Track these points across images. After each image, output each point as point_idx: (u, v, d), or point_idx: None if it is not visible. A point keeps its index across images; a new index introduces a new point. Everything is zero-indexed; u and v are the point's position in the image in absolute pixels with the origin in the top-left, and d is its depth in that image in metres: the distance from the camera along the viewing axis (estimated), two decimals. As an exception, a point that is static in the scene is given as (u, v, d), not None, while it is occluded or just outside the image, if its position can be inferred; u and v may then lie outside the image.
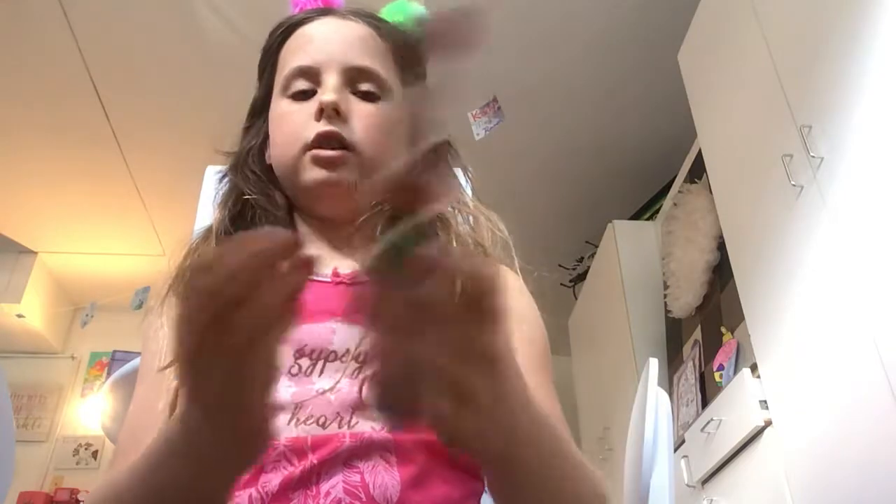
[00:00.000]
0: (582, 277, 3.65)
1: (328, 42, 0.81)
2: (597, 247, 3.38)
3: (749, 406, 1.85)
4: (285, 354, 0.63)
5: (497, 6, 2.65)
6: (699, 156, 2.47)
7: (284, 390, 0.65)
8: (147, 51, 2.84)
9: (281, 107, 0.81)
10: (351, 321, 0.67)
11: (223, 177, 0.84)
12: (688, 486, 2.14)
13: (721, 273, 2.40)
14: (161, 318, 0.73)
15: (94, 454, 4.13)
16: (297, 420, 0.63)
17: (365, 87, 0.80)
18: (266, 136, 0.84)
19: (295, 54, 0.81)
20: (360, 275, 0.71)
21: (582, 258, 3.68)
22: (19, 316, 4.05)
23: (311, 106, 0.77)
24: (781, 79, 1.83)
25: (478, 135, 2.30)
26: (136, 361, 1.51)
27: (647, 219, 3.31)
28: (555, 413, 0.71)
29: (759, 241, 1.94)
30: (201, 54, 2.78)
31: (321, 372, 0.66)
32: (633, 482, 1.19)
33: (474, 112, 2.36)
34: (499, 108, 2.46)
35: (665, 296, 2.82)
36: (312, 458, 0.60)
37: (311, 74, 0.79)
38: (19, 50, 2.88)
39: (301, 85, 0.79)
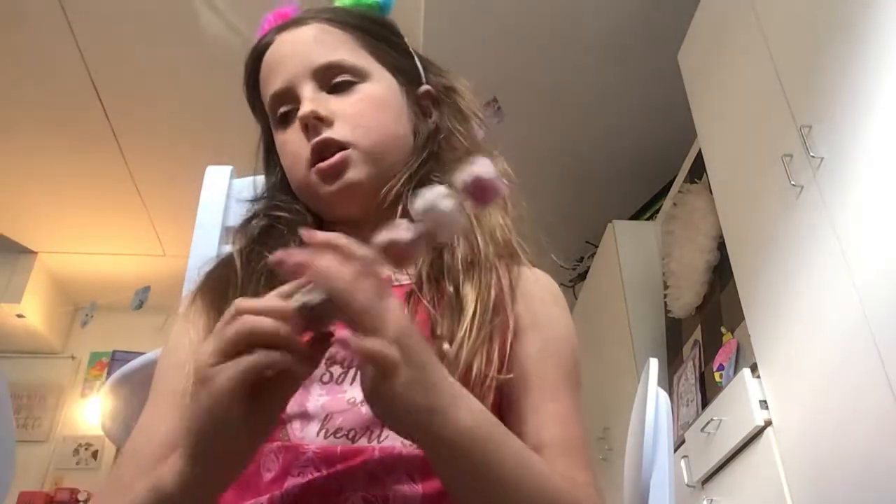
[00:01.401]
0: (582, 277, 3.65)
1: (288, 57, 0.80)
2: (597, 247, 3.38)
3: (749, 406, 1.85)
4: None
5: (497, 7, 2.66)
6: (699, 156, 2.47)
7: (315, 399, 0.65)
8: (147, 51, 2.84)
9: (279, 138, 0.81)
10: None
11: (250, 211, 0.84)
12: (688, 486, 2.14)
13: (721, 273, 2.40)
14: (187, 331, 0.72)
15: (94, 454, 4.14)
16: (327, 431, 0.63)
17: (338, 79, 0.79)
18: (282, 169, 0.84)
19: (268, 84, 0.81)
20: (390, 280, 0.72)
21: (582, 258, 3.68)
22: (19, 316, 4.06)
23: (298, 124, 0.78)
24: (781, 79, 1.83)
25: (478, 135, 2.30)
26: (136, 361, 1.51)
27: (647, 219, 3.31)
28: (566, 435, 0.68)
29: (759, 241, 1.94)
30: (202, 55, 2.78)
31: (353, 380, 0.66)
32: (633, 482, 1.19)
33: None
34: (499, 108, 2.46)
35: (665, 296, 2.82)
36: (339, 468, 0.60)
37: (288, 96, 0.79)
38: (19, 50, 2.88)
39: (283, 109, 0.80)
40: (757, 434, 1.83)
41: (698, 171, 2.61)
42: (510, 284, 0.73)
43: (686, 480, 2.15)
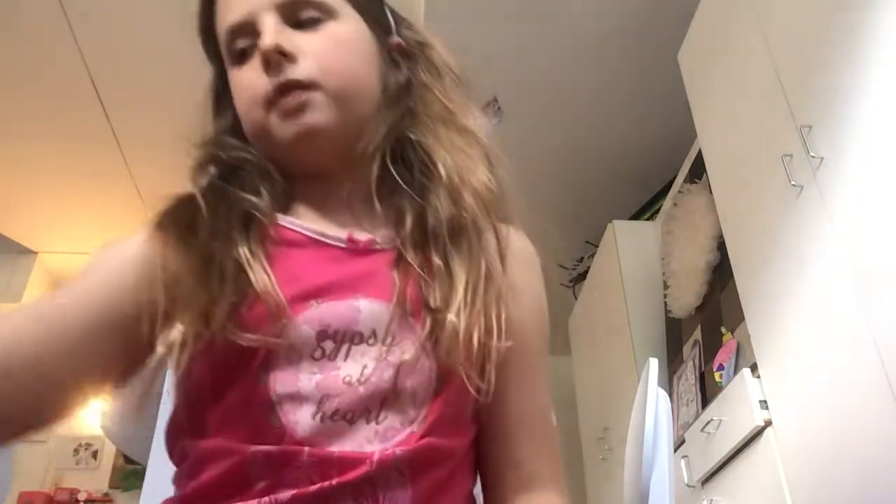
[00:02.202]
0: (582, 277, 3.65)
1: None
2: (597, 247, 3.38)
3: (749, 406, 1.85)
4: (306, 339, 0.61)
5: (497, 6, 2.66)
6: (699, 156, 2.47)
7: (308, 378, 0.60)
8: (147, 51, 2.84)
9: (233, 76, 0.74)
10: (374, 296, 0.64)
11: (196, 161, 0.75)
12: (688, 486, 2.14)
13: (721, 273, 2.40)
14: (143, 263, 0.64)
15: (95, 454, 4.13)
16: (323, 414, 0.59)
17: (305, 15, 0.71)
18: (235, 116, 0.76)
19: (224, 17, 0.74)
20: (374, 242, 0.68)
21: (582, 258, 3.68)
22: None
23: (257, 60, 0.70)
24: (781, 79, 1.83)
25: (478, 135, 2.30)
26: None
27: (647, 219, 3.31)
28: (542, 409, 0.72)
29: (759, 241, 1.94)
30: (202, 55, 2.77)
31: (346, 356, 0.61)
32: (633, 482, 1.19)
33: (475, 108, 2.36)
34: (499, 108, 2.47)
35: (665, 296, 2.82)
36: (334, 480, 0.57)
37: (247, 29, 0.71)
38: (19, 50, 2.88)
39: (241, 45, 0.72)
40: (757, 434, 1.83)
41: (698, 171, 2.61)
42: (500, 246, 0.70)
43: (686, 480, 2.15)
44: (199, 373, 0.61)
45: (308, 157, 0.72)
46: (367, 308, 0.63)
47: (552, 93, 3.00)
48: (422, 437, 0.60)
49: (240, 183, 0.70)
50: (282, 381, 0.60)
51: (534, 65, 2.87)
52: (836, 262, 1.57)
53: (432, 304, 0.63)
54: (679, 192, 2.81)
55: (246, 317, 0.60)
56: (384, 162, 0.71)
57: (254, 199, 0.68)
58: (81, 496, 3.93)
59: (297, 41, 0.70)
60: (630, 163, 3.30)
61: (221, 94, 0.80)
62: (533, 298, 0.74)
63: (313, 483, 0.57)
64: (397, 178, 0.70)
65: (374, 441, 0.59)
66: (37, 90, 3.06)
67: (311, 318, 0.62)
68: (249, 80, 0.71)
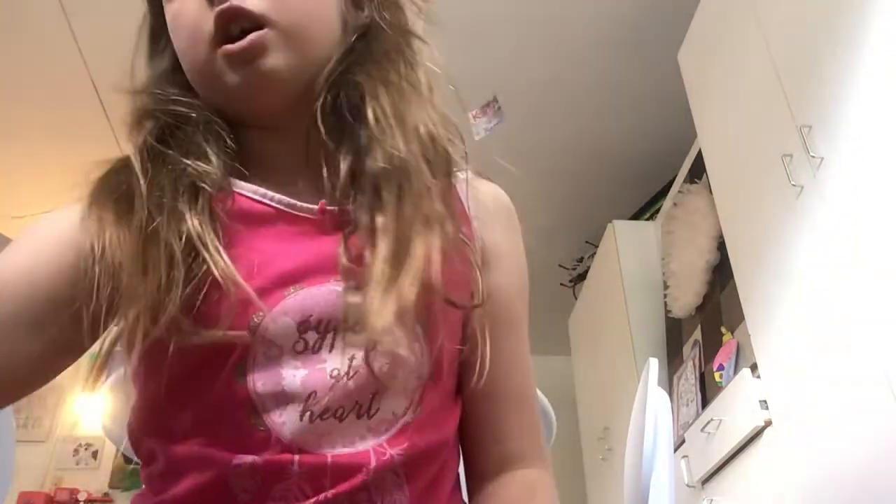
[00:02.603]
0: (582, 277, 3.65)
1: None
2: (597, 247, 3.38)
3: (749, 406, 1.85)
4: (286, 330, 0.55)
5: (497, 6, 2.66)
6: (699, 156, 2.47)
7: (292, 375, 0.54)
8: (147, 51, 2.84)
9: (171, 8, 0.64)
10: (345, 278, 0.57)
11: (133, 114, 0.67)
12: (688, 486, 2.14)
13: (721, 273, 2.40)
14: (77, 237, 0.59)
15: (94, 454, 4.13)
16: (312, 414, 0.53)
17: None
18: (174, 56, 0.67)
19: None
20: (344, 210, 0.60)
21: (582, 258, 3.68)
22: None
23: None
24: (781, 79, 1.83)
25: (478, 135, 2.31)
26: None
27: (647, 219, 3.31)
28: (524, 383, 0.68)
29: (759, 241, 1.94)
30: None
31: (331, 347, 0.55)
32: (633, 482, 1.19)
33: (474, 112, 2.36)
34: (499, 108, 2.47)
35: (665, 296, 2.82)
36: (329, 492, 0.52)
37: None
38: (19, 50, 2.88)
39: None
40: (757, 434, 1.83)
41: (698, 171, 2.61)
42: (457, 197, 0.63)
43: (686, 480, 2.15)
44: (164, 370, 0.53)
45: (261, 104, 0.63)
46: (336, 295, 0.57)
47: (552, 93, 3.00)
48: (417, 428, 0.56)
49: (183, 145, 0.61)
50: (262, 380, 0.54)
51: (534, 65, 2.87)
52: (836, 262, 1.57)
53: (377, 259, 0.55)
54: (679, 192, 2.81)
55: (203, 310, 0.53)
56: (332, 109, 0.62)
57: (202, 164, 0.59)
58: (81, 496, 3.93)
59: None
60: (630, 163, 3.30)
61: (157, 31, 0.70)
62: (514, 259, 0.69)
63: (307, 496, 0.52)
64: (321, 127, 0.61)
65: (366, 437, 0.54)
66: (37, 90, 3.06)
67: (290, 307, 0.55)
68: (190, 13, 0.62)
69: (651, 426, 1.17)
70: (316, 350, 0.55)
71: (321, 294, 0.56)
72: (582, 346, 3.59)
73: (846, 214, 1.55)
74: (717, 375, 2.25)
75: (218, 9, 0.59)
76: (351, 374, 0.55)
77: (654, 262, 3.01)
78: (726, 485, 1.97)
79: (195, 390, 0.55)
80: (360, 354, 0.55)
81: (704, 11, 2.30)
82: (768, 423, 1.80)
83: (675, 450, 2.21)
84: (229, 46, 0.60)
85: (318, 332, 0.55)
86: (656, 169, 3.23)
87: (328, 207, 0.60)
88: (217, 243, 0.55)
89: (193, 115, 0.63)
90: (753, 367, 1.93)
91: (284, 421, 0.53)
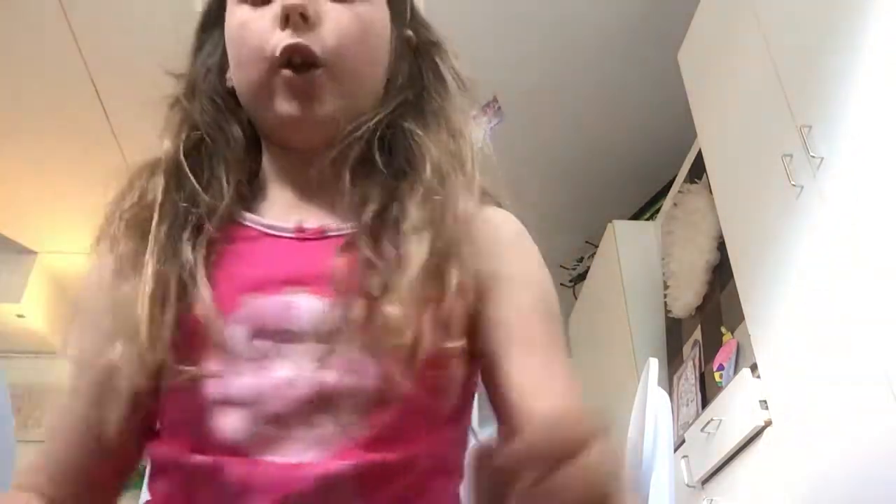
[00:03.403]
0: (582, 277, 3.65)
1: None
2: (597, 247, 3.38)
3: (749, 406, 1.85)
4: (240, 338, 0.57)
5: (497, 7, 2.66)
6: (699, 156, 2.47)
7: (240, 382, 0.56)
8: (147, 51, 2.83)
9: (237, 16, 0.68)
10: (317, 292, 0.59)
11: (174, 103, 0.73)
12: (688, 486, 2.14)
13: (721, 273, 2.40)
14: (97, 270, 0.64)
15: (94, 454, 4.14)
16: (256, 420, 0.55)
17: None
18: (224, 54, 0.71)
19: None
20: (327, 229, 0.64)
21: (582, 258, 3.68)
22: (19, 316, 4.05)
23: (273, 9, 0.65)
24: (781, 79, 1.83)
25: (478, 135, 2.30)
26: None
27: (647, 219, 3.31)
28: (566, 395, 0.60)
29: (759, 241, 1.94)
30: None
31: (283, 356, 0.57)
32: (632, 482, 1.19)
33: (474, 112, 2.36)
34: (499, 108, 2.47)
35: (665, 296, 2.82)
36: (275, 498, 0.52)
37: None
38: (19, 50, 2.88)
39: None
40: (757, 434, 1.83)
41: (698, 171, 2.61)
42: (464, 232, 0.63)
43: (686, 480, 2.15)
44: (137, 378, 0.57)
45: (303, 138, 0.68)
46: (306, 304, 0.58)
47: (552, 93, 3.00)
48: (368, 446, 0.55)
49: (205, 172, 0.66)
50: (214, 384, 0.56)
51: (534, 65, 2.87)
52: (836, 262, 1.57)
53: (372, 292, 0.57)
54: (679, 192, 2.81)
55: (182, 343, 0.57)
56: (366, 147, 0.66)
57: (214, 200, 0.64)
58: (81, 496, 3.93)
59: (323, 9, 0.66)
60: (630, 163, 3.30)
61: (213, 26, 0.74)
62: (524, 280, 0.67)
63: (251, 500, 0.52)
64: (378, 163, 0.65)
65: (312, 449, 0.54)
66: (37, 90, 3.06)
67: (243, 316, 0.58)
68: (260, 28, 0.65)
69: (651, 426, 1.17)
70: (267, 358, 0.57)
71: (275, 305, 0.58)
72: (582, 346, 3.59)
73: (846, 214, 1.55)
74: (717, 375, 2.25)
75: (290, 42, 0.63)
76: (299, 383, 0.55)
77: (654, 262, 3.01)
78: (726, 485, 1.97)
79: (167, 391, 0.58)
80: (309, 365, 0.56)
81: (704, 11, 2.30)
82: (768, 423, 1.80)
83: (675, 450, 2.20)
84: (294, 77, 0.64)
85: (270, 340, 0.57)
86: (656, 169, 3.23)
87: (304, 226, 0.64)
88: (203, 278, 0.59)
89: (228, 140, 0.68)
90: (753, 367, 1.93)
91: (229, 426, 0.55)
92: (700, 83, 2.38)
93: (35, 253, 4.11)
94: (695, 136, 2.47)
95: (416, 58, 0.74)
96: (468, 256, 0.62)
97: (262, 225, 0.65)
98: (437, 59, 0.75)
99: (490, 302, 0.63)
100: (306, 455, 0.54)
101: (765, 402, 1.83)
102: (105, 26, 2.78)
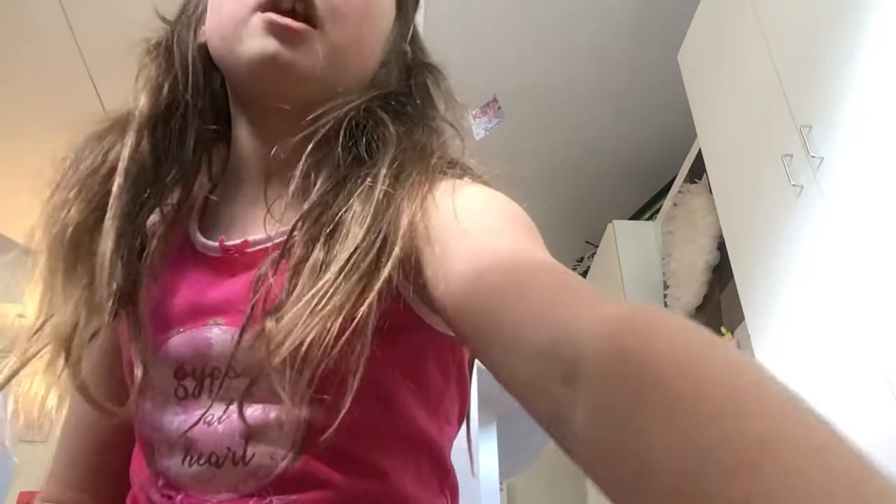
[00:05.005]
0: (582, 277, 3.65)
1: None
2: (597, 247, 3.38)
3: (749, 406, 1.85)
4: (166, 376, 0.55)
5: (497, 7, 2.66)
6: (699, 156, 2.47)
7: (171, 421, 0.54)
8: (147, 51, 2.84)
9: None
10: (231, 322, 0.54)
11: (152, 50, 0.65)
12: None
13: (721, 273, 2.40)
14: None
15: (94, 454, 4.13)
16: (191, 459, 0.52)
17: None
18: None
19: None
20: (248, 245, 0.57)
21: (582, 258, 3.68)
22: (19, 316, 4.06)
23: None
24: (781, 79, 1.83)
25: (478, 135, 2.30)
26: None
27: (647, 219, 3.31)
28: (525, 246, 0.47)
29: (759, 241, 1.94)
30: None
31: (211, 393, 0.53)
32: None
33: (474, 112, 2.36)
34: (499, 108, 2.46)
35: (665, 296, 2.82)
36: None
37: None
38: (19, 49, 2.88)
39: None
40: (757, 434, 1.83)
41: (698, 171, 2.61)
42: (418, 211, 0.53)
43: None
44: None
45: (266, 86, 0.59)
46: (219, 338, 0.54)
47: (552, 93, 3.00)
48: (306, 475, 0.50)
49: (173, 154, 0.60)
50: (150, 424, 0.55)
51: (534, 65, 2.87)
52: (836, 262, 1.57)
53: (270, 307, 0.49)
54: (679, 192, 2.81)
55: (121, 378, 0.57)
56: (335, 131, 0.57)
57: (173, 185, 0.60)
58: (81, 496, 3.93)
59: None
60: (630, 163, 3.30)
61: None
62: (477, 218, 0.52)
63: None
64: (338, 148, 0.56)
65: (248, 481, 0.51)
66: (37, 90, 3.06)
67: (167, 353, 0.55)
68: None
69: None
70: (196, 396, 0.54)
71: (195, 339, 0.54)
72: (582, 346, 3.59)
73: (846, 214, 1.55)
74: (717, 375, 2.25)
75: None
76: (223, 419, 0.52)
77: (654, 262, 3.01)
78: (726, 485, 1.97)
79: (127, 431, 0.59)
80: (233, 402, 0.51)
81: (704, 11, 2.30)
82: (768, 423, 1.80)
83: (675, 450, 2.20)
84: (275, 16, 0.55)
85: (194, 377, 0.54)
86: (656, 169, 3.23)
87: (227, 243, 0.58)
88: (140, 298, 0.56)
89: (195, 106, 0.61)
90: (753, 367, 1.93)
91: (170, 466, 0.53)
92: (700, 83, 2.38)
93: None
94: (695, 136, 2.47)
95: (410, 76, 0.68)
96: (409, 243, 0.51)
97: (198, 243, 0.60)
98: (430, 81, 0.69)
99: (434, 251, 0.50)
100: (244, 490, 0.51)
101: (765, 402, 1.82)
102: (105, 26, 2.78)
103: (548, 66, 2.89)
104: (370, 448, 0.52)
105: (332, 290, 0.48)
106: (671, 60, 2.50)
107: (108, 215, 0.55)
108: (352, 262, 0.49)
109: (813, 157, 1.65)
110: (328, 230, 0.52)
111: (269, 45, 0.56)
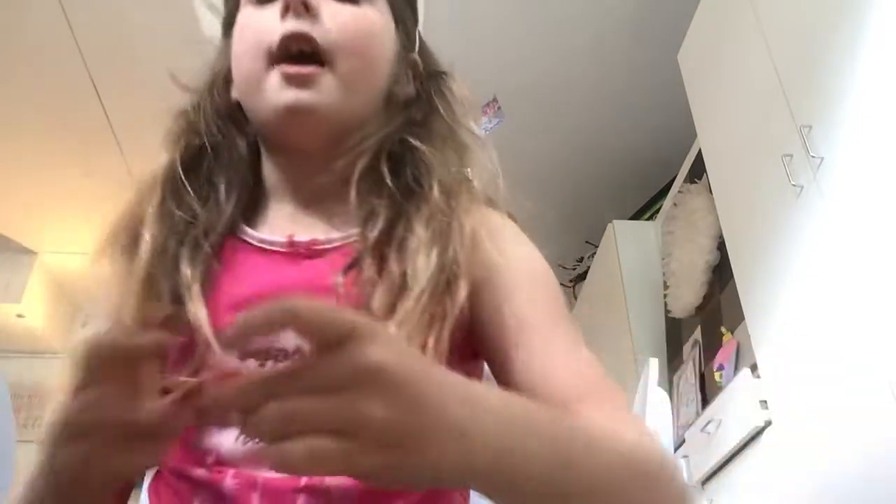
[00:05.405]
0: (582, 277, 3.65)
1: None
2: (597, 247, 3.38)
3: (749, 406, 1.85)
4: (231, 356, 0.56)
5: (498, 7, 2.66)
6: (699, 156, 2.47)
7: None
8: (147, 51, 2.84)
9: (245, 14, 0.68)
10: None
11: (179, 115, 0.73)
12: (688, 486, 2.14)
13: (721, 273, 2.40)
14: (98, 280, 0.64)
15: (94, 454, 4.13)
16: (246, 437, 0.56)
17: None
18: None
19: None
20: (318, 242, 0.63)
21: (582, 258, 3.68)
22: (19, 316, 4.05)
23: (277, 6, 0.65)
24: (781, 79, 1.83)
25: (478, 135, 2.30)
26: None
27: (647, 219, 3.31)
28: (589, 375, 0.58)
29: (759, 241, 1.94)
30: (201, 55, 2.77)
31: None
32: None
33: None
34: (499, 108, 2.47)
35: (665, 296, 2.82)
36: None
37: None
38: (19, 50, 2.88)
39: None
40: (757, 434, 1.83)
41: (698, 171, 2.61)
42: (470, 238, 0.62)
43: (686, 480, 2.15)
44: None
45: (295, 132, 0.67)
46: None
47: (552, 93, 3.00)
48: None
49: (204, 186, 0.66)
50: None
51: (534, 65, 2.87)
52: (836, 262, 1.57)
53: (374, 310, 0.56)
54: (679, 192, 2.81)
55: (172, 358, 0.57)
56: (373, 161, 0.65)
57: (212, 215, 0.65)
58: (81, 496, 3.93)
59: (326, 5, 0.65)
60: (630, 163, 3.30)
61: (226, 31, 0.75)
62: (512, 269, 0.63)
63: None
64: (387, 178, 0.64)
65: None
66: (37, 90, 3.06)
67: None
68: (260, 22, 0.65)
69: (651, 426, 1.17)
70: None
71: None
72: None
73: (846, 214, 1.55)
74: (717, 375, 2.25)
75: (289, 30, 0.63)
76: None
77: (654, 262, 3.01)
78: (726, 485, 1.97)
79: None
80: None
81: (704, 11, 2.30)
82: (768, 423, 1.80)
83: (675, 450, 2.20)
84: (289, 67, 0.63)
85: (257, 359, 0.57)
86: (656, 169, 3.23)
87: (296, 240, 0.64)
88: (198, 292, 0.58)
89: (226, 149, 0.68)
90: (753, 367, 1.93)
91: (221, 442, 0.56)
92: (700, 83, 2.38)
93: (35, 253, 4.11)
94: (695, 136, 2.47)
95: (423, 83, 0.74)
96: (472, 271, 0.60)
97: (256, 239, 0.65)
98: (444, 86, 0.75)
99: (490, 302, 0.61)
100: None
101: (765, 402, 1.83)
102: (105, 26, 2.78)
103: (548, 66, 2.89)
104: None
105: (415, 312, 0.55)
106: (671, 60, 2.50)
107: (140, 256, 0.62)
108: (430, 288, 0.56)
109: (813, 157, 1.65)
110: (395, 247, 0.59)
111: (289, 95, 0.63)
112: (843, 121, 1.57)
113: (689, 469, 2.16)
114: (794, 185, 1.71)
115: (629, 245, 3.11)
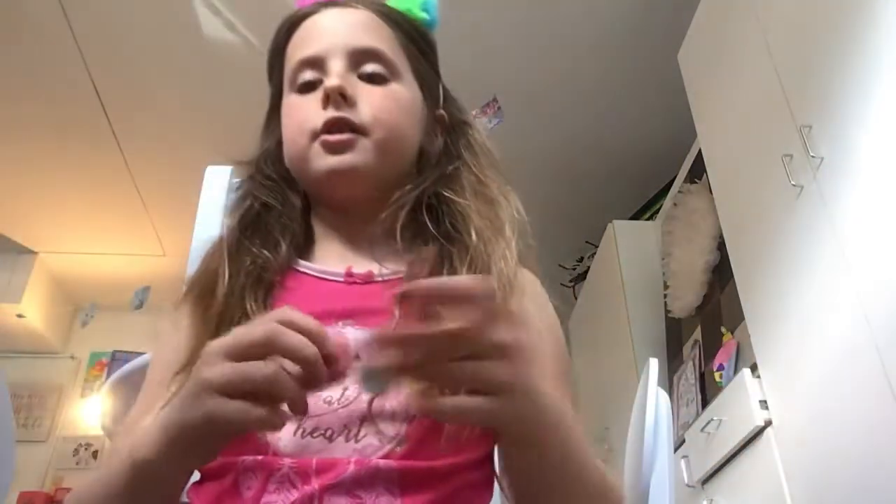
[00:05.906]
0: (582, 277, 3.65)
1: (330, 30, 0.79)
2: (597, 247, 3.38)
3: (749, 406, 1.85)
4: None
5: (498, 7, 2.66)
6: (699, 156, 2.47)
7: None
8: (147, 51, 2.84)
9: (289, 101, 0.80)
10: (361, 324, 0.67)
11: (238, 186, 0.83)
12: (688, 486, 2.14)
13: (721, 273, 2.40)
14: (174, 328, 0.72)
15: (95, 454, 4.13)
16: (304, 431, 0.61)
17: (371, 68, 0.78)
18: (280, 138, 0.82)
19: (299, 47, 0.80)
20: (373, 275, 0.73)
21: (582, 258, 3.68)
22: (19, 316, 4.05)
23: (319, 95, 0.76)
24: (781, 79, 1.83)
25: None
26: (136, 361, 1.51)
27: (647, 219, 3.31)
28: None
29: (759, 241, 1.94)
30: (201, 55, 2.78)
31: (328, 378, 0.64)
32: (633, 482, 1.19)
33: (474, 112, 2.36)
34: (499, 108, 2.46)
35: (665, 296, 2.82)
36: (315, 484, 0.58)
37: (317, 64, 0.78)
38: (19, 50, 2.88)
39: (307, 76, 0.78)
40: (757, 434, 1.83)
41: (698, 171, 2.61)
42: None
43: (686, 480, 2.15)
44: None
45: (339, 191, 0.77)
46: (351, 333, 0.66)
47: (552, 93, 3.00)
48: (404, 455, 0.61)
49: (262, 234, 0.76)
50: None
51: (534, 65, 2.87)
52: (836, 262, 1.57)
53: None
54: (679, 192, 2.81)
55: None
56: (413, 211, 0.75)
57: (270, 254, 0.74)
58: (81, 496, 3.92)
59: (360, 91, 0.76)
60: (630, 163, 3.30)
61: (271, 114, 0.86)
62: (543, 326, 0.76)
63: (295, 487, 0.59)
64: (429, 225, 0.74)
65: (352, 456, 0.60)
66: (37, 90, 3.06)
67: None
68: (305, 109, 0.76)
69: (651, 426, 1.17)
70: None
71: (333, 332, 0.63)
72: (582, 346, 3.59)
73: (846, 214, 1.55)
74: (717, 375, 2.25)
75: (331, 115, 0.74)
76: (343, 402, 0.63)
77: (654, 262, 3.01)
78: (726, 485, 1.97)
79: None
80: (353, 387, 0.62)
81: (704, 11, 2.30)
82: (768, 423, 1.80)
83: (675, 450, 2.21)
84: (328, 136, 0.74)
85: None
86: (656, 169, 3.23)
87: (353, 271, 0.73)
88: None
89: (278, 205, 0.78)
90: (753, 367, 1.93)
91: (280, 436, 0.61)
92: (700, 83, 2.38)
93: (35, 253, 4.11)
94: (695, 136, 2.47)
95: (450, 134, 0.84)
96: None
97: (315, 270, 0.74)
98: (469, 136, 0.84)
99: None
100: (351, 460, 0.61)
101: (765, 402, 1.83)
102: (105, 27, 2.78)
103: (548, 66, 2.89)
104: (455, 444, 0.64)
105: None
106: (671, 60, 2.50)
107: (216, 299, 0.70)
108: None
109: (813, 157, 1.65)
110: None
111: (331, 160, 0.74)
112: (843, 121, 1.58)
113: (689, 469, 2.17)
114: (793, 185, 1.71)
115: (629, 245, 3.11)
